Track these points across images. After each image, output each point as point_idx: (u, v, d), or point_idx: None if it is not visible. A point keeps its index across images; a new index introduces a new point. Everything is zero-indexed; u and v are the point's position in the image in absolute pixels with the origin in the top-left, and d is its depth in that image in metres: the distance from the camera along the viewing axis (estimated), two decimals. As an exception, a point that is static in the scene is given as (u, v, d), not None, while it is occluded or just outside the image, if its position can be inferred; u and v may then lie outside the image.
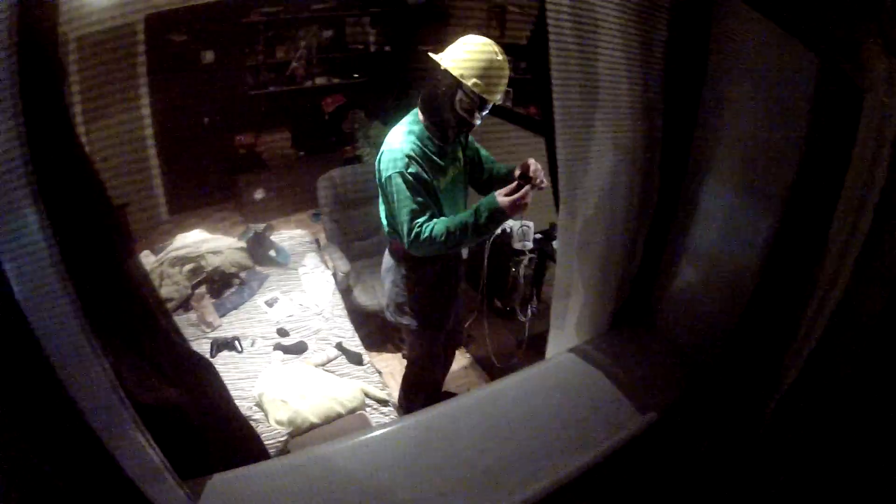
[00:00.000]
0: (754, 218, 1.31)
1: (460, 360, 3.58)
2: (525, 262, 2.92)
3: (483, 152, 2.31)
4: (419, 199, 1.90)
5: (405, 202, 1.89)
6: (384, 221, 2.16)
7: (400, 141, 1.94)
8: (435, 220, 1.90)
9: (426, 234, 1.87)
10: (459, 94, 1.84)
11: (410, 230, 1.90)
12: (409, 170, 1.88)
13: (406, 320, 2.33)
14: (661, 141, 1.42)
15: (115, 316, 1.04)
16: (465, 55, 1.83)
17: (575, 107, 1.32)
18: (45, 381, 0.72)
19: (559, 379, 1.50)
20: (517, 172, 1.89)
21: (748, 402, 1.46)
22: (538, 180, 1.80)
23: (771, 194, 1.26)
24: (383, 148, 1.98)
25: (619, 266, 1.56)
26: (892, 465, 1.28)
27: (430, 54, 1.93)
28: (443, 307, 2.39)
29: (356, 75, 5.18)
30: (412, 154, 1.90)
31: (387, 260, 2.34)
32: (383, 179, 1.95)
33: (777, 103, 1.22)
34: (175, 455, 1.13)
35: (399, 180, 1.89)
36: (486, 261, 3.51)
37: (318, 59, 5.04)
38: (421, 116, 2.01)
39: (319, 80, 5.08)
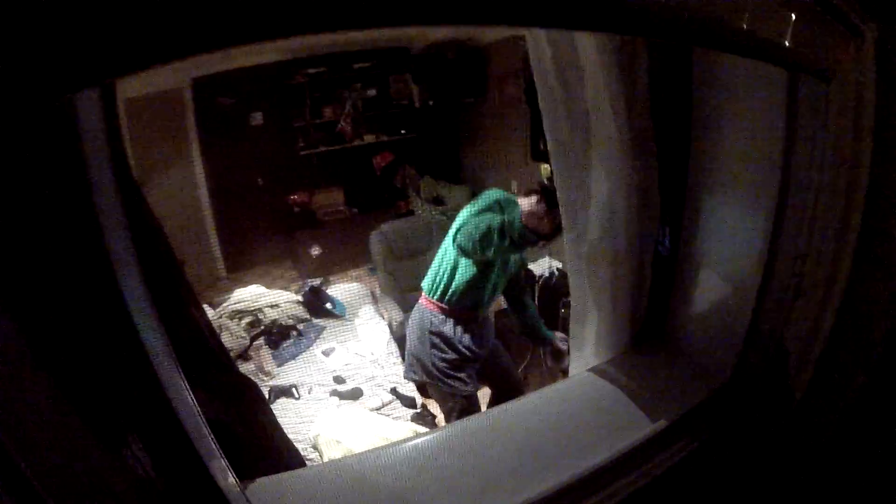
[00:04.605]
0: (751, 224, 1.36)
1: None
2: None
3: None
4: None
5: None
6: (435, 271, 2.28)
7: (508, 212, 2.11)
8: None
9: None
10: None
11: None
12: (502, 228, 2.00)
13: (450, 381, 2.32)
14: (656, 165, 1.47)
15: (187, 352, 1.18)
16: None
17: (564, 141, 1.46)
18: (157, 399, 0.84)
19: (576, 395, 1.59)
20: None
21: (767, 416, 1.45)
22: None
23: (762, 199, 1.31)
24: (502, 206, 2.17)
25: (629, 288, 1.60)
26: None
27: None
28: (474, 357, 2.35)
29: (403, 131, 5.31)
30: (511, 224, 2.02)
31: (419, 323, 2.34)
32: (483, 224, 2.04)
33: (757, 113, 1.28)
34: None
35: (493, 225, 2.01)
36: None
37: (364, 117, 5.19)
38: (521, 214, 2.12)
39: (368, 138, 5.22)
